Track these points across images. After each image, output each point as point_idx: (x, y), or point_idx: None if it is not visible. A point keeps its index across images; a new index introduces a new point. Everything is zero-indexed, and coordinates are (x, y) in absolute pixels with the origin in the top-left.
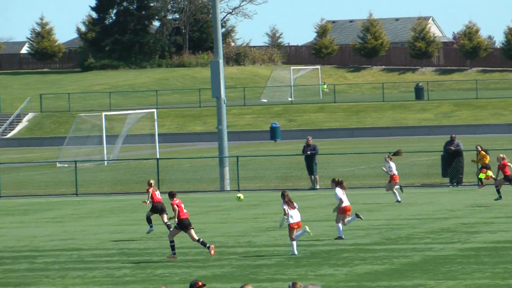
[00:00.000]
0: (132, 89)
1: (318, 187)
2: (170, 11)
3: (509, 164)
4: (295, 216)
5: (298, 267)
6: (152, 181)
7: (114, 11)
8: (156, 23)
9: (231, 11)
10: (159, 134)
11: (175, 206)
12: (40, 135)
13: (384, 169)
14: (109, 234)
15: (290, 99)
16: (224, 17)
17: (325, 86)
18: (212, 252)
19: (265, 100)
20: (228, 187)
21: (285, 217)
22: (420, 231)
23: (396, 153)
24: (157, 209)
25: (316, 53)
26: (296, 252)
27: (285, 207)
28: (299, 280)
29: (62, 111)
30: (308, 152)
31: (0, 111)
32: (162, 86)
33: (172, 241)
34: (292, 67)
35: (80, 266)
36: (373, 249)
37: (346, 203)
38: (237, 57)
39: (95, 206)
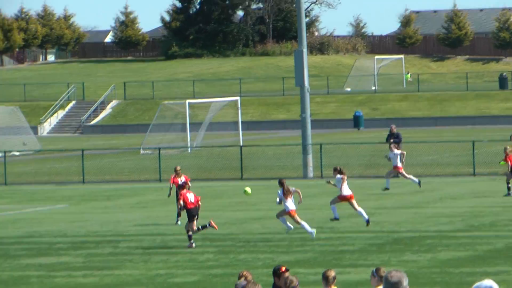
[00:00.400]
0: (216, 78)
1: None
2: (254, 1)
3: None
4: (290, 205)
5: (381, 253)
6: (178, 168)
7: (198, 0)
8: (240, 13)
9: (315, 0)
10: (242, 122)
11: (186, 198)
12: (124, 122)
13: (387, 157)
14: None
15: (373, 88)
16: (308, 7)
17: (409, 76)
18: (214, 225)
19: (349, 89)
20: (311, 175)
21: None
22: (504, 219)
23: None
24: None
25: (400, 42)
26: (291, 227)
27: (279, 196)
28: (382, 266)
29: (146, 99)
30: (391, 140)
31: (84, 98)
32: (245, 74)
33: (188, 231)
34: (376, 57)
35: (163, 251)
36: (456, 236)
37: (347, 192)
38: (321, 46)
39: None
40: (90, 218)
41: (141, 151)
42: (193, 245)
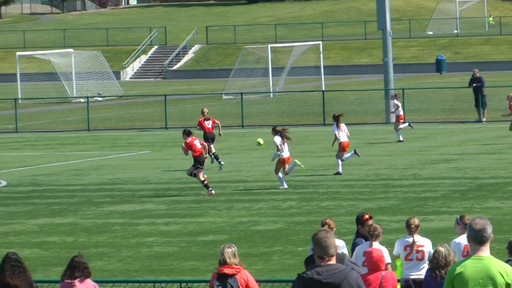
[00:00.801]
0: (298, 22)
1: (484, 120)
2: None
3: (205, 122)
4: (285, 151)
5: (464, 200)
6: (205, 110)
7: None
8: None
9: None
10: (324, 66)
11: (193, 145)
12: (206, 67)
13: (393, 108)
14: (275, 166)
15: (455, 31)
16: None
17: (491, 19)
18: (212, 192)
19: (431, 33)
20: (393, 120)
21: (277, 152)
22: None
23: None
24: (207, 138)
25: None
26: (285, 186)
27: (279, 141)
28: (465, 213)
29: (228, 43)
30: (474, 84)
31: (166, 43)
32: (327, 18)
33: (203, 181)
34: (457, 0)
35: (246, 198)
36: None
37: (344, 139)
38: None
39: (262, 137)
40: (173, 164)
41: (223, 96)
42: (213, 191)
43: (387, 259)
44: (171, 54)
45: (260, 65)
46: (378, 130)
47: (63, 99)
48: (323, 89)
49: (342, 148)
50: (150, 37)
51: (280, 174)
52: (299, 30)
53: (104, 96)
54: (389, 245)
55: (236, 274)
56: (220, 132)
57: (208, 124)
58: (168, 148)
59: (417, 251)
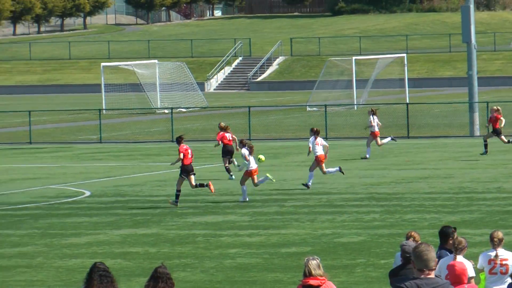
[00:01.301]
0: (382, 34)
1: None
2: None
3: (501, 118)
4: (252, 163)
5: None
6: (222, 124)
7: None
8: None
9: None
10: (408, 79)
11: (183, 151)
12: (290, 79)
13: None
14: (358, 179)
15: None
16: None
17: None
18: (212, 187)
19: None
20: (477, 133)
21: (246, 162)
22: None
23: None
24: (227, 151)
25: None
26: (247, 199)
27: (246, 153)
28: None
29: (312, 55)
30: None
31: (251, 54)
32: (412, 31)
33: (178, 190)
34: None
35: (329, 210)
36: None
37: (320, 152)
38: (488, 2)
39: (345, 150)
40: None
41: (307, 108)
42: (177, 204)
43: (471, 273)
44: (255, 65)
45: (344, 77)
46: (462, 143)
47: (147, 110)
48: (407, 101)
49: (318, 161)
50: (235, 48)
51: (245, 187)
52: (383, 42)
53: (187, 108)
54: (473, 259)
55: (321, 286)
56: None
57: (229, 136)
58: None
59: (501, 265)
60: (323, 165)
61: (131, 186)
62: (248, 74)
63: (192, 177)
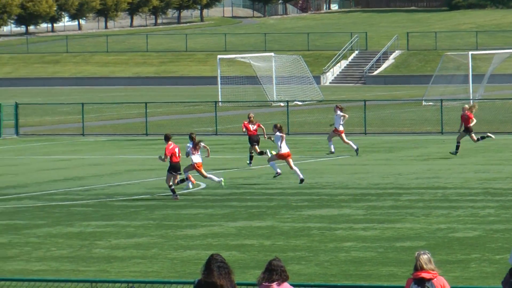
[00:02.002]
0: (499, 29)
1: None
2: None
3: (250, 125)
4: (196, 158)
5: None
6: (251, 115)
7: None
8: None
9: None
10: None
11: (169, 150)
12: (406, 73)
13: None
14: (474, 173)
15: None
16: None
17: None
18: (192, 180)
19: None
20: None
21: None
22: None
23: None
24: (252, 140)
25: None
26: (190, 187)
27: (188, 149)
28: None
29: (428, 50)
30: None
31: (367, 48)
32: None
33: (170, 185)
34: None
35: (444, 204)
36: None
37: (285, 149)
38: None
39: (462, 144)
40: (371, 170)
41: (423, 103)
42: (178, 197)
43: None
44: (371, 59)
45: (460, 72)
46: None
47: (262, 102)
48: None
49: (279, 156)
50: (351, 42)
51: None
52: (500, 37)
53: (303, 101)
54: None
55: (433, 279)
56: (265, 135)
57: (253, 127)
58: (367, 153)
59: None
60: (291, 160)
61: (247, 179)
62: (364, 68)
63: (178, 176)
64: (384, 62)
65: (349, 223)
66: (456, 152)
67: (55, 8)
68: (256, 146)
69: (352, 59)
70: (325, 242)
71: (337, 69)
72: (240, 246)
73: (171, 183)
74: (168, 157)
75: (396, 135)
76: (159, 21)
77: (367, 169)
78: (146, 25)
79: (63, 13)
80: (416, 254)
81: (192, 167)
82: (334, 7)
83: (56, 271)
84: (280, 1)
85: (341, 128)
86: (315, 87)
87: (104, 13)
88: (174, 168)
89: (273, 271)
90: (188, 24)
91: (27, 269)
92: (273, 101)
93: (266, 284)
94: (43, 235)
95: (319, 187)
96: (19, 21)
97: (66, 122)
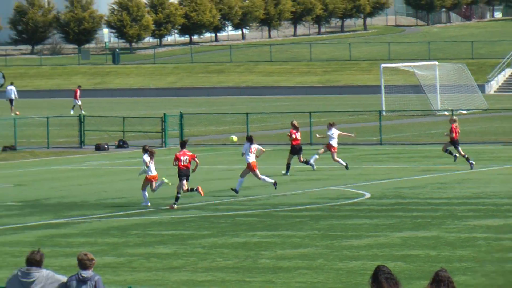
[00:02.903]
0: None
1: None
2: None
3: (457, 129)
4: (152, 170)
5: None
6: (295, 122)
7: None
8: None
9: None
10: None
11: (178, 158)
12: None
13: (319, 135)
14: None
15: None
16: None
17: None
18: (201, 191)
19: None
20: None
21: (145, 168)
22: None
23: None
24: (295, 150)
25: None
26: (148, 203)
27: (147, 159)
28: None
29: None
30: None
31: None
32: None
33: (186, 190)
34: None
35: None
36: None
37: (252, 159)
38: None
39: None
40: None
41: None
42: (175, 206)
43: None
44: None
45: None
46: None
47: (427, 111)
48: None
49: (249, 168)
50: None
51: (146, 193)
52: None
53: (467, 110)
54: None
55: None
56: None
57: (298, 136)
58: None
59: None
60: (257, 171)
61: (412, 189)
62: None
63: (185, 182)
64: None
65: None
66: (455, 157)
67: (218, 18)
68: (301, 156)
69: None
70: (491, 252)
71: (501, 78)
72: (406, 257)
73: (186, 187)
74: (176, 162)
75: None
76: (322, 30)
77: None
78: (310, 34)
79: (226, 22)
80: None
81: (149, 179)
82: (498, 14)
83: (222, 282)
84: (444, 9)
85: (335, 144)
86: (479, 96)
87: (267, 22)
88: (181, 175)
89: (441, 282)
90: (351, 32)
91: (192, 280)
92: (437, 110)
93: None
94: (209, 245)
95: (485, 197)
96: (183, 30)
97: (231, 132)
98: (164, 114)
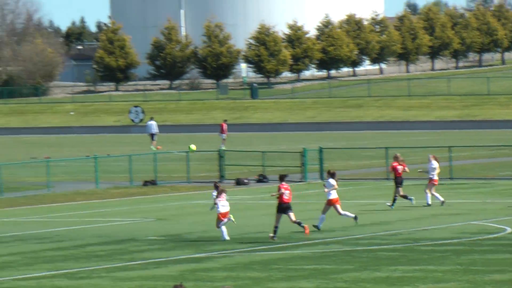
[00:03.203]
0: None
1: None
2: None
3: (398, 167)
4: (224, 207)
5: None
6: (398, 154)
7: None
8: None
9: None
10: None
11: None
12: None
13: (421, 170)
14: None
15: None
16: None
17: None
18: (307, 231)
19: None
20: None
21: (215, 205)
22: None
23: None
24: (397, 182)
25: None
26: (226, 237)
27: (214, 196)
28: None
29: None
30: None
31: None
32: None
33: (276, 226)
34: None
35: None
36: None
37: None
38: None
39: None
40: None
41: None
42: (275, 238)
43: None
44: None
45: None
46: None
47: None
48: None
49: (330, 204)
50: None
51: (224, 228)
52: None
53: None
54: None
55: None
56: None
57: (400, 169)
58: None
59: None
60: (338, 206)
61: None
62: None
63: (291, 214)
64: None
65: None
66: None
67: (356, 52)
68: (400, 189)
69: None
70: None
71: None
72: None
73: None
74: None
75: None
76: (460, 64)
77: None
78: (447, 69)
79: (364, 57)
80: None
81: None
82: None
83: None
84: None
85: (435, 177)
86: None
87: (405, 56)
88: (281, 209)
89: None
90: (489, 67)
91: None
92: None
93: None
94: (351, 280)
95: None
96: (321, 65)
97: (371, 166)
98: (304, 148)
